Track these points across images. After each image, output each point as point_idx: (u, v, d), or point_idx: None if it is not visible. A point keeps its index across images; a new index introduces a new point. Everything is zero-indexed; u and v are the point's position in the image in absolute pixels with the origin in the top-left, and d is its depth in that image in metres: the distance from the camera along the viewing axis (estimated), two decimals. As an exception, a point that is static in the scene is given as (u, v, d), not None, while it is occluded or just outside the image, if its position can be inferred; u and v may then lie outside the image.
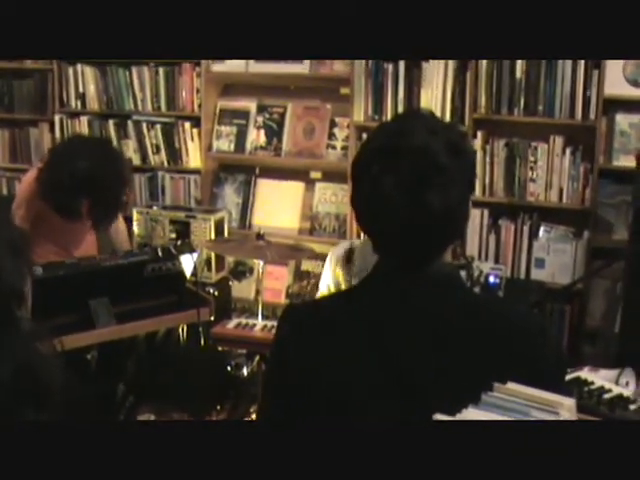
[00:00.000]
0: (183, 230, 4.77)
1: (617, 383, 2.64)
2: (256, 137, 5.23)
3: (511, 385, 1.16)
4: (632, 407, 2.43)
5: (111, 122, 5.45)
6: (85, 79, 5.49)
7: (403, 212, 1.47)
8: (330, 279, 3.60)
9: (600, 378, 2.62)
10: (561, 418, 1.08)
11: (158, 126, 5.37)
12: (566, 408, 1.11)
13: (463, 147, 1.55)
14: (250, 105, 5.27)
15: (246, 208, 5.30)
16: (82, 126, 5.49)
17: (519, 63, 4.51)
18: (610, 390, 2.53)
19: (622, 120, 4.45)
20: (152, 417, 3.90)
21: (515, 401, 1.13)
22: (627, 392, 2.54)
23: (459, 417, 1.07)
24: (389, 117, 4.74)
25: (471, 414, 1.09)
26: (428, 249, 1.54)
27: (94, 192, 3.35)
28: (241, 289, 5.04)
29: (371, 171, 1.49)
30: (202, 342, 3.81)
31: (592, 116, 4.42)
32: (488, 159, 4.63)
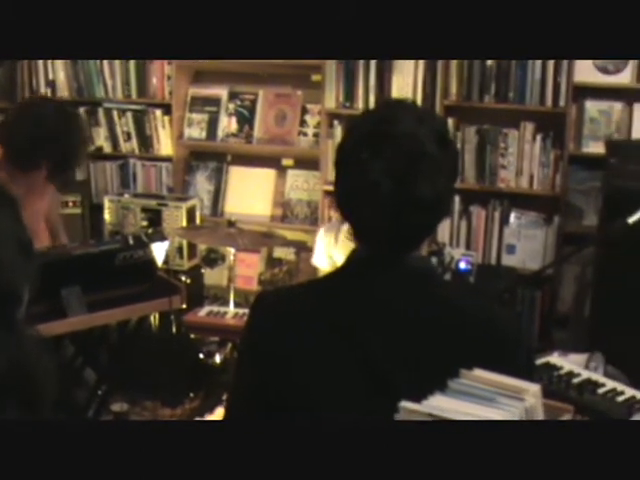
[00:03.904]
0: (155, 218, 4.75)
1: (587, 367, 2.66)
2: (227, 124, 5.22)
3: (477, 372, 1.17)
4: (600, 391, 2.46)
5: (82, 109, 5.40)
6: (55, 66, 5.44)
7: (391, 199, 1.44)
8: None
9: (570, 362, 2.65)
10: (527, 404, 1.10)
11: (129, 113, 5.34)
12: (531, 394, 1.13)
13: (448, 136, 1.55)
14: (221, 92, 5.25)
15: (218, 195, 5.29)
16: (52, 114, 5.45)
17: (490, 50, 4.53)
18: (579, 374, 2.56)
19: (592, 107, 4.48)
20: (125, 406, 3.89)
21: (481, 387, 1.14)
22: (595, 376, 2.57)
23: (424, 404, 1.08)
24: (360, 104, 4.75)
25: (437, 401, 1.10)
26: (410, 238, 1.52)
27: (56, 147, 3.34)
28: (213, 276, 5.03)
29: (359, 156, 1.46)
30: (174, 330, 3.81)
31: (562, 103, 4.45)
32: (459, 146, 4.65)
